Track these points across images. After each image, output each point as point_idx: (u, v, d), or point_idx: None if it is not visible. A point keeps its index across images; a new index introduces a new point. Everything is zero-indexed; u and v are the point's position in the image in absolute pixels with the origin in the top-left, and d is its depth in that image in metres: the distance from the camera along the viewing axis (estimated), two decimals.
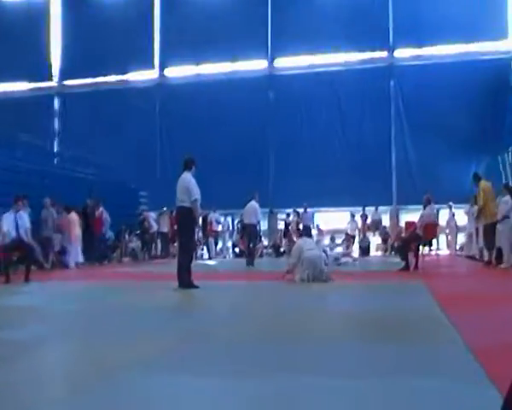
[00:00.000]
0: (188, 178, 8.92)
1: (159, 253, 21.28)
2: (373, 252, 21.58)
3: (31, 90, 27.70)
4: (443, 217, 19.92)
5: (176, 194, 8.97)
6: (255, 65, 25.63)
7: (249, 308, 6.44)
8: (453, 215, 19.81)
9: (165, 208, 20.17)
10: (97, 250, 17.37)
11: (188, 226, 8.91)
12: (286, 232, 21.86)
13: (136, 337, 4.59)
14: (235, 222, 23.01)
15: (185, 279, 8.69)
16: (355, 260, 16.51)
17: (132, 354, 3.97)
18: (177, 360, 3.74)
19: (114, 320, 5.64)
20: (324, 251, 13.38)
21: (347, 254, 19.27)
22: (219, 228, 22.10)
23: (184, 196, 8.78)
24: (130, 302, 7.15)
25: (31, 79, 27.68)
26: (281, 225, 23.05)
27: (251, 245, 15.67)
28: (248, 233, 15.87)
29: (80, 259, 16.14)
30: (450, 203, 19.78)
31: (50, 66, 28.01)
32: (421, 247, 12.40)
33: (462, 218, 18.64)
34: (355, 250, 21.11)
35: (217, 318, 5.70)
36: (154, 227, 20.70)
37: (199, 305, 7.24)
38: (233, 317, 5.75)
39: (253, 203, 15.27)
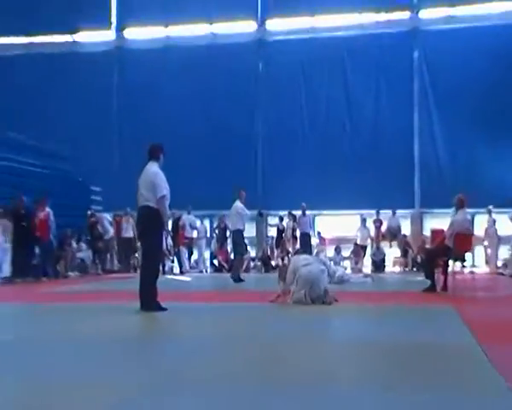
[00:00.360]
0: (154, 170, 8.87)
1: (116, 265, 21.17)
2: (389, 267, 21.61)
3: None
4: (480, 224, 19.99)
5: (138, 190, 8.90)
6: (241, 27, 25.59)
7: (230, 338, 6.38)
8: (494, 222, 19.84)
9: (128, 209, 20.00)
10: (43, 261, 17.24)
11: (153, 231, 8.84)
12: (279, 241, 21.83)
13: (80, 383, 4.42)
14: (214, 227, 22.96)
15: (150, 299, 8.61)
16: (366, 276, 16.52)
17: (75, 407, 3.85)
18: None
19: (50, 358, 5.48)
20: (324, 264, 13.37)
21: (357, 270, 19.35)
22: (194, 234, 22.00)
23: (149, 192, 8.72)
24: (75, 331, 7.02)
25: None
26: (272, 232, 23.01)
27: (237, 256, 15.58)
28: (232, 242, 15.75)
29: (5, 273, 15.98)
30: (490, 207, 19.83)
31: None
32: (451, 262, 12.39)
33: (505, 226, 18.69)
34: (366, 265, 21.15)
35: (188, 351, 5.63)
36: (110, 232, 20.56)
37: (166, 334, 7.16)
38: (209, 350, 5.68)
39: (237, 205, 15.23)
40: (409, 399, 3.83)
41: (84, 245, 20.50)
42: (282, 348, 5.75)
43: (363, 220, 22.13)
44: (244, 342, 6.10)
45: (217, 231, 22.17)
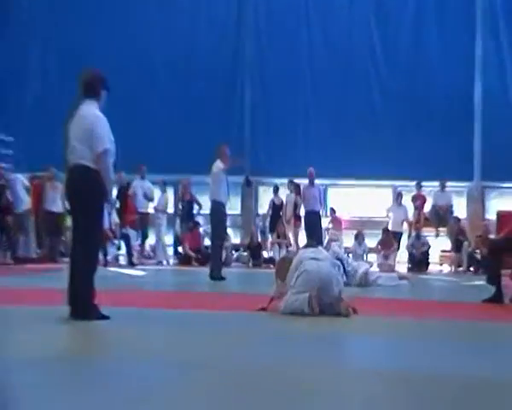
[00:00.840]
0: (92, 112, 8.76)
1: (34, 251, 21.19)
2: (435, 265, 21.71)
3: None
4: None
5: (68, 142, 8.78)
6: None
7: (195, 367, 6.26)
8: None
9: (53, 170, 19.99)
10: None
11: (90, 203, 8.75)
12: (274, 222, 21.87)
13: None
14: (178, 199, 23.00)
15: (84, 303, 8.55)
16: (401, 278, 16.57)
17: None
18: None
19: None
20: (340, 259, 13.46)
21: (387, 268, 19.39)
22: (150, 209, 21.97)
23: (84, 146, 8.62)
24: None
25: None
26: (264, 208, 23.08)
27: (215, 242, 15.68)
28: (211, 219, 15.77)
29: None
30: None
31: None
32: None
33: None
34: (401, 261, 21.21)
35: (138, 383, 5.54)
36: (25, 202, 20.47)
37: (106, 355, 7.08)
38: (162, 385, 5.59)
39: (217, 165, 15.18)
40: None
41: None
42: (272, 380, 5.67)
43: (398, 196, 22.19)
44: (216, 375, 6.00)
45: (180, 206, 22.18)
